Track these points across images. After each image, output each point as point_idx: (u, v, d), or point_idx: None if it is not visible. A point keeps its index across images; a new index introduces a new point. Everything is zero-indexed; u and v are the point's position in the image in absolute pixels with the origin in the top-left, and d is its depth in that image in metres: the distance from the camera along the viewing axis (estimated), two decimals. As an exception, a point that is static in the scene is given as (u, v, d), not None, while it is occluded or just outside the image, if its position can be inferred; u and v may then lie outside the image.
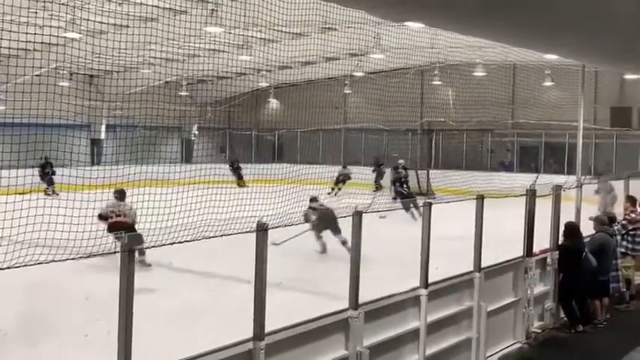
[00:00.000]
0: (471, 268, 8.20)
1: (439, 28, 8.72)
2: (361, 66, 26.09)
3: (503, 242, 9.59)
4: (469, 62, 25.28)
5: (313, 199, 12.99)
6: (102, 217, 11.26)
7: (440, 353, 7.59)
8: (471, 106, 26.21)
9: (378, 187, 25.23)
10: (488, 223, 8.46)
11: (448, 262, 8.15)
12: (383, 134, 30.76)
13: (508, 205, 9.87)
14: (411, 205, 16.87)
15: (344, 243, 11.19)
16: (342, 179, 25.98)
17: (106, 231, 10.26)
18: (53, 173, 23.29)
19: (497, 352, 8.60)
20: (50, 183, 23.36)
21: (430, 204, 7.50)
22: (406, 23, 15.53)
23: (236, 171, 29.28)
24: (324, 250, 12.53)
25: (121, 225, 10.82)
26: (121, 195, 11.85)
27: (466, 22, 4.92)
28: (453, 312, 7.88)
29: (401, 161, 24.32)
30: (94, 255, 4.70)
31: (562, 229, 10.02)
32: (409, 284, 7.25)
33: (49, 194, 21.65)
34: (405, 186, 20.42)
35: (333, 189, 25.10)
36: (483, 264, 8.28)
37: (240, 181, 28.36)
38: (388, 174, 23.93)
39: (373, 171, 26.19)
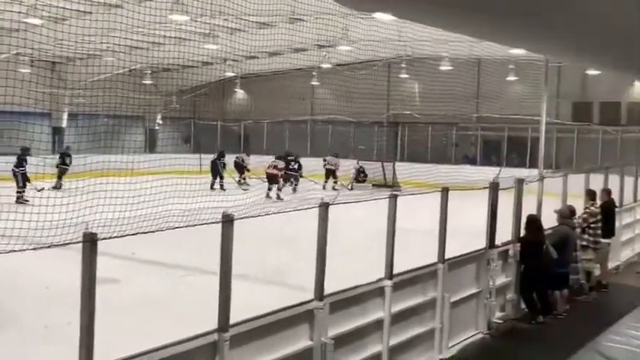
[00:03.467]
0: (435, 260, 8.28)
1: (410, 20, 8.70)
2: (329, 58, 26.11)
3: (467, 234, 9.70)
4: (436, 56, 25.48)
5: None
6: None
7: (403, 343, 7.65)
8: (437, 99, 26.45)
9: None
10: (452, 215, 8.54)
11: (413, 253, 8.20)
12: (350, 126, 30.83)
13: (471, 198, 9.98)
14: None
15: None
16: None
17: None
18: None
19: (459, 342, 8.70)
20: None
21: (395, 196, 7.53)
22: (374, 15, 15.57)
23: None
24: None
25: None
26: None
27: (440, 14, 4.92)
28: (416, 303, 7.94)
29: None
30: (55, 245, 4.62)
31: (524, 221, 10.18)
32: (373, 276, 7.28)
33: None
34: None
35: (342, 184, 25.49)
36: (447, 255, 8.36)
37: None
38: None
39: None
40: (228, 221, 5.18)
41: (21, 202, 17.33)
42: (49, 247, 4.85)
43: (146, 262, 11.01)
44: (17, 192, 18.68)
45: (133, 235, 4.72)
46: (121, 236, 4.58)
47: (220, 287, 5.32)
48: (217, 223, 5.18)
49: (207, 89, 30.99)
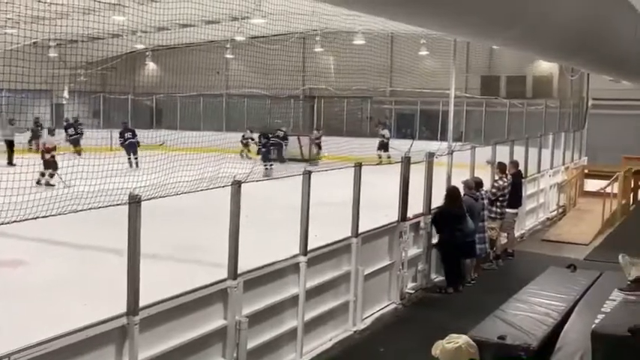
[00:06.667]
0: (349, 234, 8.38)
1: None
2: (242, 30, 25.70)
3: (381, 207, 9.87)
4: (349, 30, 25.54)
5: None
6: None
7: (319, 317, 7.75)
8: (352, 73, 26.58)
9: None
10: (367, 188, 8.64)
11: (328, 228, 8.27)
12: (265, 100, 30.61)
13: (385, 172, 10.15)
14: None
15: None
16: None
17: None
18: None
19: (373, 313, 8.90)
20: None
21: (310, 172, 7.53)
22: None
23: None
24: None
25: None
26: None
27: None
28: (331, 277, 8.04)
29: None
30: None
31: (435, 194, 10.45)
32: (290, 251, 7.30)
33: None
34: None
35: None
36: (361, 229, 8.48)
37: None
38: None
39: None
40: (134, 202, 5.04)
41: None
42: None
43: (56, 244, 10.60)
44: (131, 159, 22.58)
45: (33, 219, 4.52)
46: (20, 221, 4.37)
47: (128, 270, 5.19)
48: (124, 205, 5.03)
49: (116, 62, 29.88)
